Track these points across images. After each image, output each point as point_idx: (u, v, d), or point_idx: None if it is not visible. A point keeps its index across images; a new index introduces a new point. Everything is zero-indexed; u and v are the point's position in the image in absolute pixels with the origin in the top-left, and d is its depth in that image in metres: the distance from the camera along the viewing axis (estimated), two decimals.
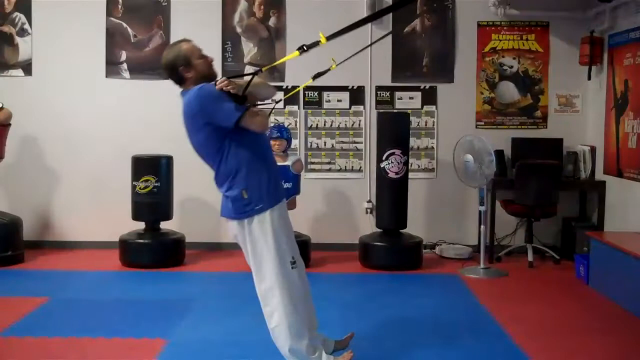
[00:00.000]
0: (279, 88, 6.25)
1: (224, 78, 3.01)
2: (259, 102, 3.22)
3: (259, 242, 3.10)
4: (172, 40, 6.22)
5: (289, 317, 3.10)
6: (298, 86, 6.03)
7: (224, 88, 2.96)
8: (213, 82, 3.05)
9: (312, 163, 6.35)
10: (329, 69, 3.57)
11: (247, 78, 2.99)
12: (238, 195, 3.06)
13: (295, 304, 3.12)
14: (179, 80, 3.16)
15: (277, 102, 3.37)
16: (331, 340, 3.43)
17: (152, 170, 5.69)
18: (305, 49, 2.95)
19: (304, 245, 5.70)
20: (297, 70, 6.07)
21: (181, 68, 3.10)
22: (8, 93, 6.08)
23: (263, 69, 3.07)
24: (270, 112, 3.24)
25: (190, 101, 3.03)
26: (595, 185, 5.93)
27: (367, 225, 6.25)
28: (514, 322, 4.19)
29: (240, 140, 3.04)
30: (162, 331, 3.95)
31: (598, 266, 5.02)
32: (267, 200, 3.08)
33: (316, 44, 2.98)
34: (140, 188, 5.66)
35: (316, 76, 3.56)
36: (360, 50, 4.02)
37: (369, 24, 6.10)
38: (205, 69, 3.14)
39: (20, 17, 6.28)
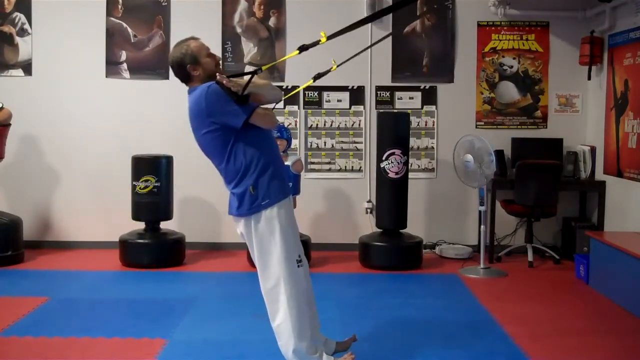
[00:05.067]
0: (279, 88, 6.25)
1: (224, 76, 3.01)
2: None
3: (266, 238, 3.10)
4: (172, 40, 6.24)
5: (293, 315, 3.10)
6: (298, 86, 6.03)
7: (225, 83, 2.96)
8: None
9: (312, 163, 6.35)
10: (329, 70, 3.57)
11: (247, 77, 2.99)
12: (246, 192, 3.06)
13: (300, 302, 3.12)
14: (186, 78, 3.15)
15: (277, 103, 3.37)
16: (332, 341, 3.43)
17: (152, 170, 5.69)
18: (306, 47, 2.96)
19: (304, 246, 5.68)
20: (298, 70, 6.07)
21: (189, 66, 3.10)
22: (8, 93, 6.08)
23: (263, 67, 3.07)
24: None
25: (198, 100, 3.03)
26: (595, 185, 5.92)
27: (367, 225, 6.26)
28: (514, 322, 4.19)
29: (247, 139, 3.05)
30: (162, 331, 3.95)
31: (598, 266, 5.02)
32: (274, 195, 3.09)
33: (317, 43, 3.00)
34: (140, 188, 5.66)
35: (317, 77, 3.57)
36: (361, 52, 4.03)
37: (369, 24, 6.11)
38: (212, 67, 3.13)
39: (20, 17, 6.28)
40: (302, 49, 2.97)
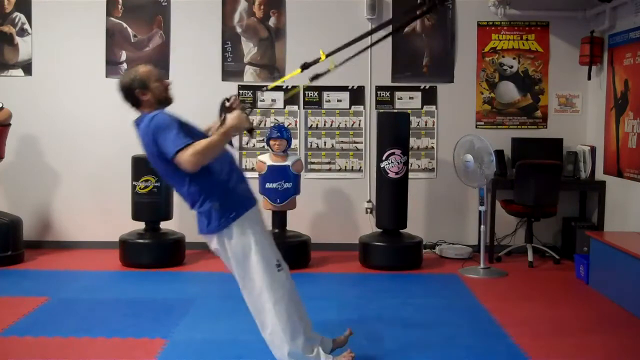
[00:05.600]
0: (279, 88, 6.26)
1: (234, 96, 3.18)
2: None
3: (242, 251, 3.08)
4: (172, 40, 6.26)
5: (282, 319, 3.09)
6: (298, 86, 6.02)
7: (233, 105, 3.09)
8: (226, 98, 3.15)
9: (312, 163, 6.35)
10: (328, 70, 3.56)
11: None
12: (211, 209, 3.06)
13: (287, 305, 3.11)
14: (136, 103, 3.17)
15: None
16: (329, 339, 3.42)
17: (152, 170, 5.60)
18: (308, 65, 3.15)
19: (304, 245, 5.71)
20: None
21: (137, 91, 3.12)
22: (8, 93, 6.08)
23: (269, 86, 3.20)
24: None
25: (144, 132, 3.04)
26: (595, 185, 5.92)
27: (367, 225, 6.25)
28: (514, 322, 4.19)
29: None
30: (162, 331, 3.95)
31: (598, 266, 5.02)
32: (241, 206, 3.09)
33: (317, 61, 3.18)
34: (140, 188, 5.66)
35: (314, 78, 3.57)
36: (360, 52, 4.02)
37: (369, 24, 6.10)
38: (161, 92, 3.17)
39: (20, 17, 6.28)
40: (304, 67, 3.08)
